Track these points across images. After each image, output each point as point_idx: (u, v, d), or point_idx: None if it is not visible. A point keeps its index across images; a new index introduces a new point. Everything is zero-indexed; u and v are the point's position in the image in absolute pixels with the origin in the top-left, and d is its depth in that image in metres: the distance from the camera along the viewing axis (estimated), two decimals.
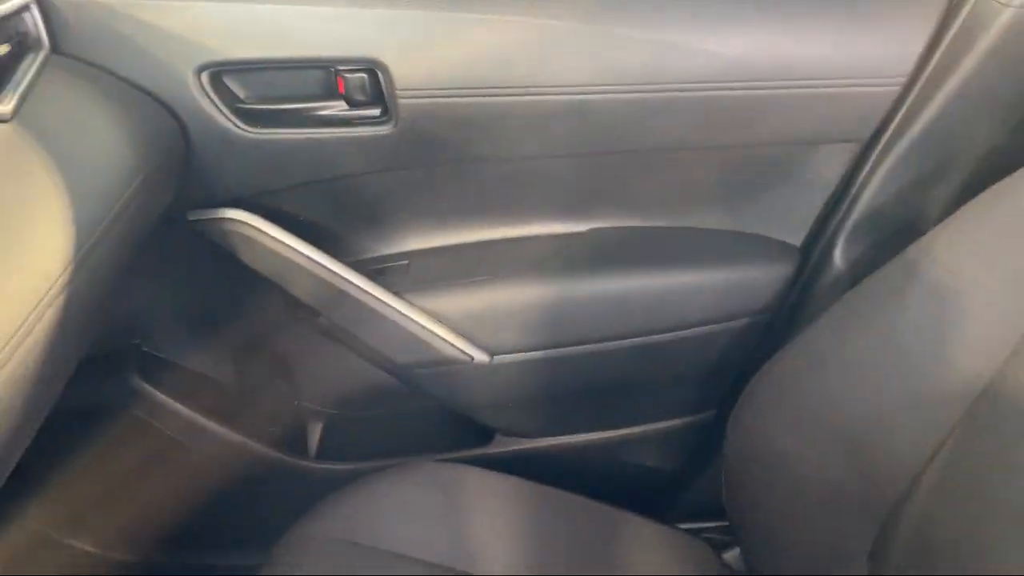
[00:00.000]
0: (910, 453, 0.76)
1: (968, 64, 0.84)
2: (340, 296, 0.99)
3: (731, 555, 1.02)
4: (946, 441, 0.73)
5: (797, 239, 1.02)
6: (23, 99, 0.76)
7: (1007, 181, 0.76)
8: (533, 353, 1.03)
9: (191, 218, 0.96)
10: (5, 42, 0.79)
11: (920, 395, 0.76)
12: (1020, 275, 0.70)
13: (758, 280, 1.01)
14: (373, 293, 0.99)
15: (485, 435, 1.15)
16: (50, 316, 0.64)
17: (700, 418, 1.13)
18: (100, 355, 1.02)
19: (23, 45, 0.82)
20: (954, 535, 0.70)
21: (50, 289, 0.65)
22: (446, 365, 1.02)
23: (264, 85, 0.91)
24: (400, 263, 1.05)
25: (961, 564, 0.68)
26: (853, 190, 0.95)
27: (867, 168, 0.94)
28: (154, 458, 1.11)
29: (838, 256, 0.98)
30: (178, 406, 1.07)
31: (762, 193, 1.01)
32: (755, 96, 0.88)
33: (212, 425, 1.09)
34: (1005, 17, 0.80)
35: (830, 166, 0.96)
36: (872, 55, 0.87)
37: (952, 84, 0.85)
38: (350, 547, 0.89)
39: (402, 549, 0.89)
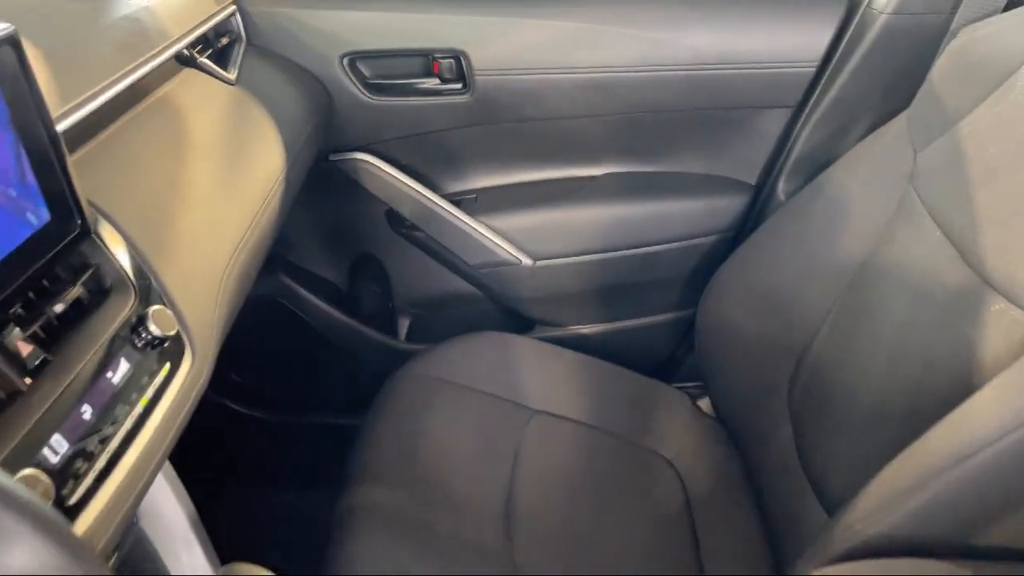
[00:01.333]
0: (814, 310, 1.10)
1: (859, 54, 1.20)
2: (432, 215, 1.38)
3: (703, 402, 1.37)
4: (836, 301, 1.08)
5: (752, 178, 1.39)
6: (239, 71, 1.16)
7: (878, 131, 1.12)
8: (565, 259, 1.41)
9: (332, 158, 1.35)
10: (225, 35, 1.19)
11: (821, 270, 1.10)
12: (880, 187, 1.05)
13: (723, 208, 1.38)
14: (453, 213, 1.38)
15: (528, 326, 1.52)
16: (262, 215, 1.01)
17: (685, 313, 1.50)
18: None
19: (232, 38, 1.22)
20: (837, 368, 1.03)
21: (267, 195, 1.02)
22: (501, 266, 1.41)
23: (384, 67, 1.30)
24: (471, 196, 1.43)
25: (841, 389, 0.99)
26: (789, 142, 1.32)
27: (797, 126, 1.30)
28: (293, 336, 1.50)
29: (780, 189, 1.34)
30: (312, 297, 1.47)
31: (725, 145, 1.37)
32: (716, 75, 1.26)
33: (335, 313, 1.48)
34: (880, 21, 1.17)
35: (772, 125, 1.33)
36: (794, 47, 1.24)
37: (849, 68, 1.22)
38: (437, 380, 1.26)
39: (474, 384, 1.26)
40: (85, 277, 0.68)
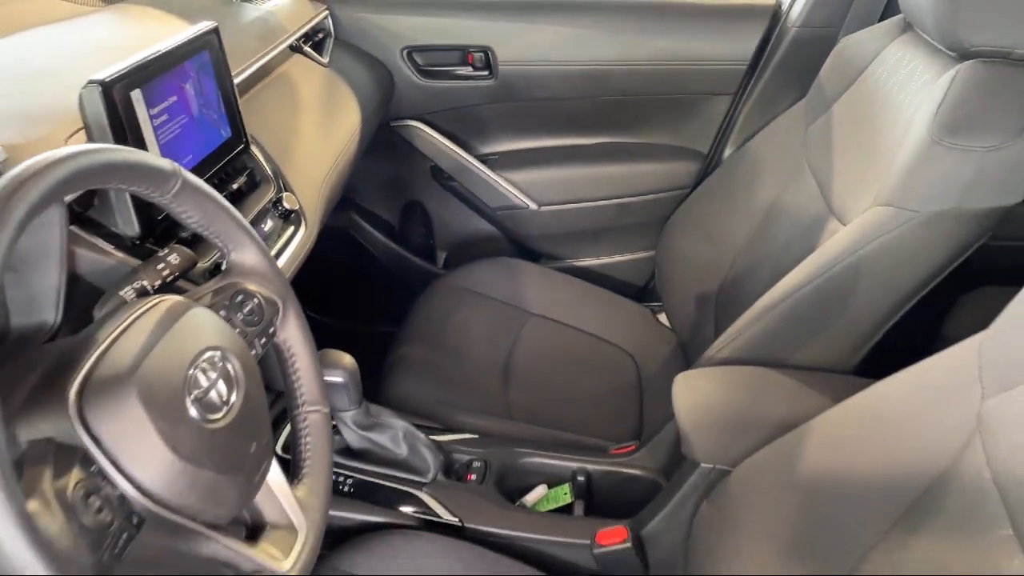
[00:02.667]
0: (737, 239, 1.47)
1: (777, 56, 1.60)
2: (464, 170, 1.80)
3: (661, 316, 1.76)
4: (750, 232, 1.47)
5: (704, 148, 1.79)
6: (330, 57, 1.59)
7: (787, 112, 1.50)
8: (562, 205, 1.82)
9: (392, 125, 1.78)
10: (320, 32, 1.63)
11: (742, 211, 1.47)
12: (784, 152, 1.42)
13: (681, 169, 1.79)
14: (481, 168, 1.80)
15: (534, 259, 1.93)
16: (344, 154, 1.43)
17: (648, 255, 1.89)
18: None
19: (325, 34, 1.65)
20: (744, 278, 1.43)
21: (347, 141, 1.45)
22: (514, 209, 1.83)
23: (432, 58, 1.73)
24: (494, 156, 1.85)
25: (745, 291, 1.39)
26: (728, 122, 1.72)
27: (735, 110, 1.70)
28: (356, 259, 1.94)
29: (724, 156, 1.74)
30: (373, 231, 1.91)
31: (683, 122, 1.77)
32: (674, 68, 1.66)
33: (389, 244, 1.92)
34: (792, 33, 1.56)
35: (718, 108, 1.72)
36: (731, 50, 1.64)
37: (771, 66, 1.61)
38: (462, 290, 1.68)
39: (488, 293, 1.67)
40: (245, 175, 1.11)
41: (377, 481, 1.13)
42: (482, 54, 1.69)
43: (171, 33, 0.98)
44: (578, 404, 1.45)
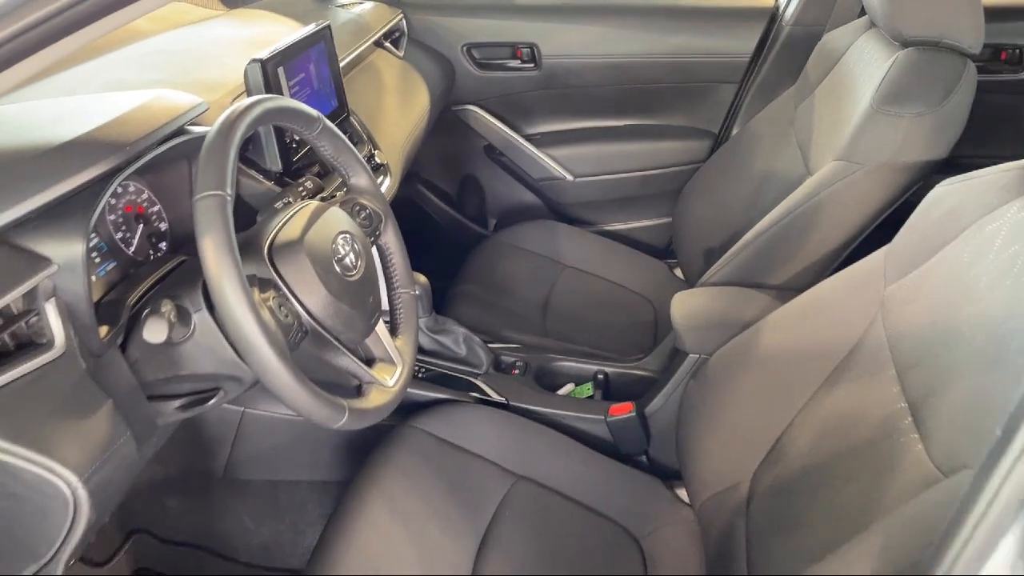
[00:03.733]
0: (739, 202, 1.77)
1: (775, 50, 1.87)
2: (513, 147, 2.11)
3: (678, 271, 2.03)
4: (749, 196, 1.75)
5: (714, 128, 2.07)
6: (405, 52, 1.91)
7: (780, 97, 1.77)
8: (594, 177, 2.12)
9: (453, 109, 2.10)
10: (396, 31, 1.95)
11: (742, 179, 1.77)
12: (777, 128, 1.69)
13: (695, 147, 2.07)
14: (527, 146, 2.10)
15: (571, 223, 2.22)
16: (416, 128, 1.74)
17: (667, 221, 2.18)
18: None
19: (400, 33, 1.97)
20: (743, 231, 1.72)
21: (418, 120, 1.76)
22: (554, 180, 2.13)
23: (487, 53, 2.04)
24: (538, 135, 2.15)
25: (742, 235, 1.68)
26: (735, 106, 1.99)
27: (741, 95, 1.98)
28: (420, 225, 2.26)
29: (732, 134, 2.01)
30: (435, 199, 2.22)
31: (696, 107, 2.05)
32: (687, 62, 1.95)
33: (449, 210, 2.23)
34: (786, 31, 1.84)
35: (726, 94, 2.00)
36: (736, 45, 1.92)
37: (769, 58, 1.89)
38: (508, 245, 1.98)
39: (529, 248, 1.97)
40: (346, 135, 1.43)
41: (443, 371, 1.44)
42: (529, 49, 2.00)
43: (282, 32, 1.31)
44: (602, 333, 1.74)
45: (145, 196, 1.05)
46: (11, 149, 0.83)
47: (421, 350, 1.47)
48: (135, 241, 1.02)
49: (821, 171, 1.35)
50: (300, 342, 0.88)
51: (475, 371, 1.44)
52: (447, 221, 2.25)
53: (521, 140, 2.11)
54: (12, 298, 0.75)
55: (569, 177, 2.12)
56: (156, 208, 1.07)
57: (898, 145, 1.28)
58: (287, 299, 0.87)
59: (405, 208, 2.19)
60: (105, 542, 1.46)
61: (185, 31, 1.52)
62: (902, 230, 1.04)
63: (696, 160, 2.07)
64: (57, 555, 0.75)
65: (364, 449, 1.30)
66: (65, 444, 0.74)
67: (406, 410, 1.32)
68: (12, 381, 0.73)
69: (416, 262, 2.22)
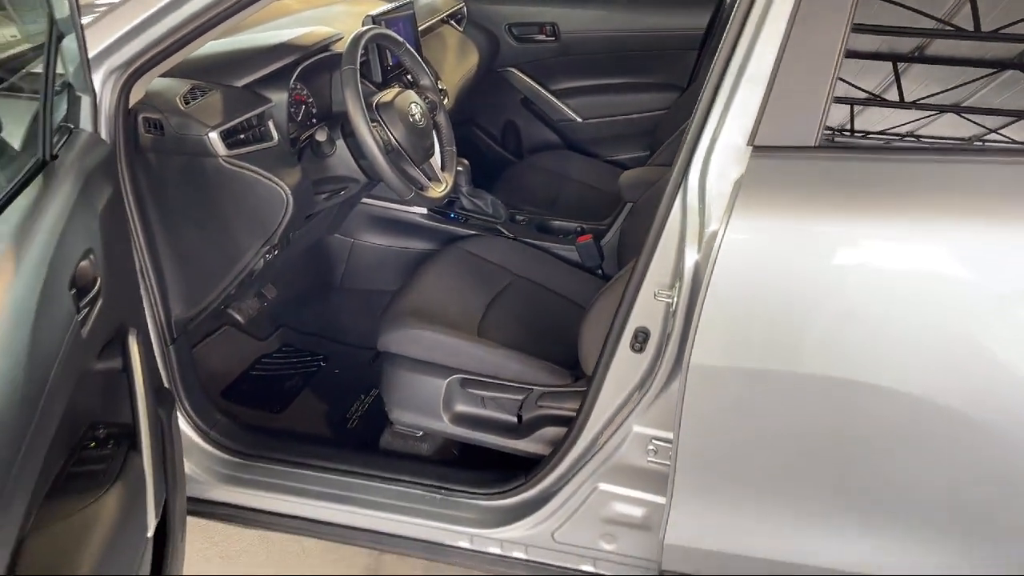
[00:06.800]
0: None
1: (721, 22, 2.52)
2: (541, 97, 2.82)
3: None
4: None
5: (682, 83, 2.72)
6: (464, 28, 2.64)
7: None
8: (596, 119, 2.80)
9: (497, 70, 2.82)
10: (458, 14, 2.67)
11: None
12: None
13: (668, 97, 2.72)
14: (550, 96, 2.81)
15: (584, 153, 2.90)
16: (464, 78, 2.47)
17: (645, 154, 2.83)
18: None
19: (461, 15, 2.70)
20: None
21: (468, 70, 2.48)
22: (569, 121, 2.82)
23: (521, 30, 2.75)
24: (558, 89, 2.85)
25: None
26: (697, 66, 2.64)
27: (700, 59, 2.62)
28: (472, 156, 2.97)
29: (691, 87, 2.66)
30: (482, 135, 2.94)
31: (668, 67, 2.70)
32: (661, 36, 2.62)
33: (493, 146, 2.94)
34: (726, 8, 2.49)
35: (689, 58, 2.64)
36: (691, 22, 2.57)
37: (718, 29, 2.54)
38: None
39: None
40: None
41: (479, 219, 2.15)
42: (551, 27, 2.70)
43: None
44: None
45: (305, 91, 1.79)
46: (246, 47, 1.59)
47: (463, 207, 2.18)
48: (300, 113, 1.76)
49: None
50: (390, 154, 1.60)
51: (495, 220, 2.15)
52: (493, 153, 2.96)
53: (546, 93, 2.82)
54: (252, 115, 1.50)
55: (579, 119, 2.81)
56: (311, 100, 1.81)
57: None
58: (385, 129, 1.59)
59: (464, 145, 2.91)
60: (262, 328, 2.21)
61: (320, 10, 2.27)
62: None
63: (668, 106, 2.72)
64: (274, 233, 1.49)
65: None
66: (283, 177, 1.48)
67: (453, 239, 2.04)
68: (257, 150, 1.47)
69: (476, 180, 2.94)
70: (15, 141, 1.14)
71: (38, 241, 0.92)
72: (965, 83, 1.13)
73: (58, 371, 0.86)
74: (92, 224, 1.10)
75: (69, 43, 1.16)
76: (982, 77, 1.13)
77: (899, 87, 1.16)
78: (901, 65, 1.16)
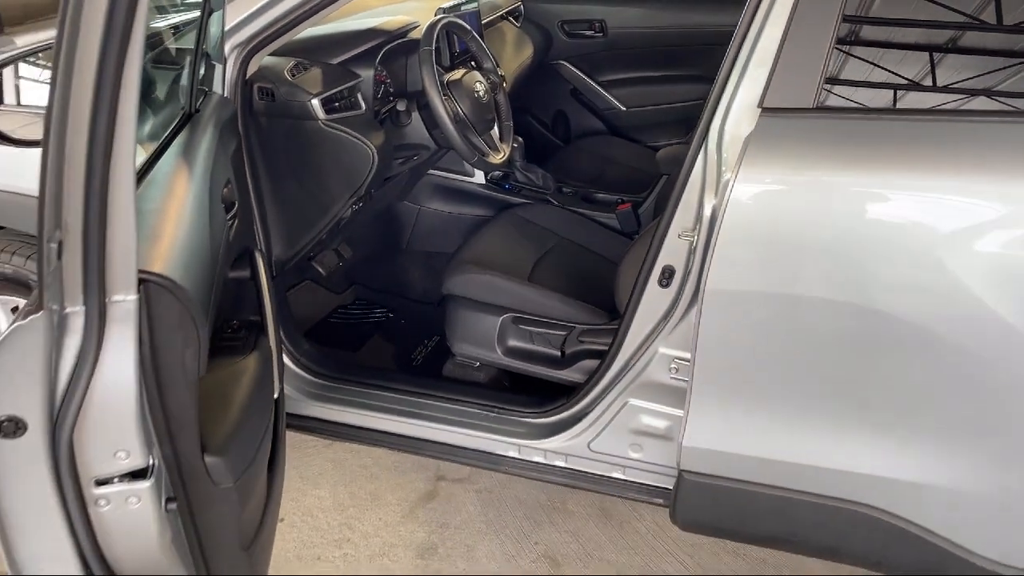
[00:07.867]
0: None
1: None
2: (589, 88, 3.05)
3: None
4: None
5: None
6: (521, 24, 2.89)
7: None
8: (639, 108, 3.01)
9: (550, 62, 3.05)
10: (515, 11, 2.92)
11: None
12: None
13: (704, 89, 2.93)
14: (597, 87, 3.03)
15: (626, 138, 3.12)
16: (520, 69, 2.72)
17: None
18: None
19: (519, 12, 2.95)
20: None
21: (523, 61, 2.73)
22: (614, 110, 3.04)
23: (572, 26, 2.98)
24: (605, 80, 3.07)
25: None
26: None
27: None
28: (527, 140, 3.22)
29: None
30: (535, 123, 3.18)
31: (705, 61, 2.89)
32: (699, 32, 2.82)
33: (544, 132, 3.18)
34: None
35: None
36: (727, 20, 2.77)
37: None
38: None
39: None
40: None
41: (529, 189, 2.39)
42: (599, 24, 2.93)
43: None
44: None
45: (384, 72, 2.05)
46: (339, 31, 1.86)
47: (516, 179, 2.42)
48: (380, 92, 2.01)
49: None
50: (458, 123, 1.85)
51: (545, 191, 2.39)
52: (544, 139, 3.20)
53: (594, 84, 3.04)
54: (345, 87, 1.76)
55: (623, 108, 3.03)
56: (388, 80, 2.07)
57: None
58: (454, 102, 1.84)
59: (518, 131, 3.15)
60: (339, 284, 2.48)
61: (396, 5, 2.54)
62: None
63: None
64: (361, 186, 1.75)
65: None
66: (370, 139, 1.74)
67: (507, 207, 2.28)
68: (349, 116, 1.74)
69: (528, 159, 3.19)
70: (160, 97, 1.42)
71: (199, 161, 1.19)
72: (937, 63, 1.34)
73: (223, 251, 1.13)
74: (227, 163, 1.37)
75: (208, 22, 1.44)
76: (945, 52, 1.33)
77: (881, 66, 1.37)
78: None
